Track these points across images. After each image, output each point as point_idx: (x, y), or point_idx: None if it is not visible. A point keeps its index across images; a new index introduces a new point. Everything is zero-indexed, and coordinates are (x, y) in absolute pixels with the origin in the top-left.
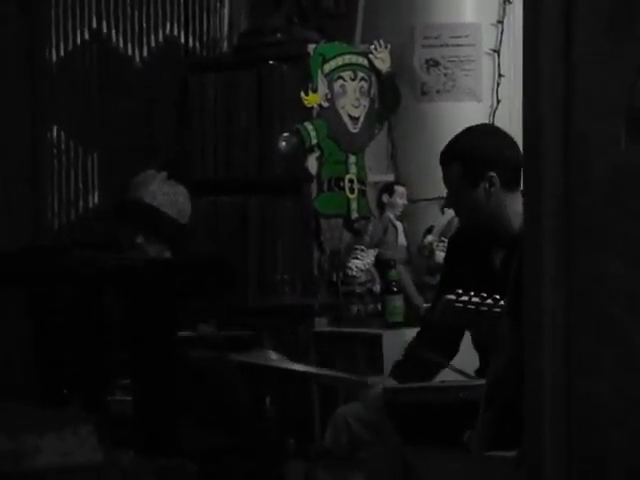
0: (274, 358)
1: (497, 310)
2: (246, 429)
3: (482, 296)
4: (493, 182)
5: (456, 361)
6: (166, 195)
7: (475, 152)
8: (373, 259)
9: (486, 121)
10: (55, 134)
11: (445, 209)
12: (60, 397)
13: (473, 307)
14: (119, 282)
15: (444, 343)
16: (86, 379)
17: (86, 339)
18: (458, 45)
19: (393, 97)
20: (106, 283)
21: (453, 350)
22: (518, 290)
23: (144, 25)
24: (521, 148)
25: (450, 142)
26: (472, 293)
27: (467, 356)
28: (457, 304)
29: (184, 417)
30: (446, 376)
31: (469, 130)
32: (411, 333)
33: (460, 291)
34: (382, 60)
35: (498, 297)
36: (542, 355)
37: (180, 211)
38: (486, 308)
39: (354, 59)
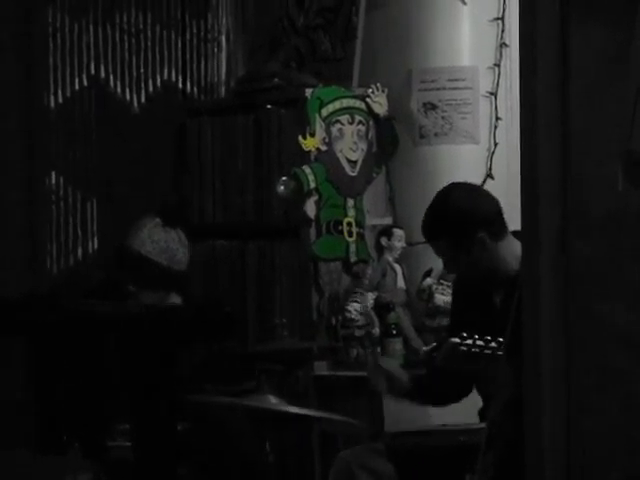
0: (274, 403)
1: (500, 353)
2: (246, 475)
3: (486, 339)
4: (484, 240)
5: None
6: (156, 243)
7: (458, 222)
8: (372, 302)
9: (483, 164)
10: (53, 180)
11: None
12: (59, 443)
13: (477, 350)
14: (118, 329)
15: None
16: (86, 425)
17: (85, 384)
18: (455, 88)
19: (391, 140)
20: (105, 330)
21: (464, 392)
22: (516, 335)
23: (142, 70)
24: (519, 191)
25: (429, 217)
26: (476, 336)
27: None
28: (461, 347)
29: (184, 463)
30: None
31: (443, 199)
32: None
33: (465, 334)
34: (380, 104)
35: (501, 340)
36: (541, 399)
37: (172, 258)
38: (490, 351)
39: (352, 103)
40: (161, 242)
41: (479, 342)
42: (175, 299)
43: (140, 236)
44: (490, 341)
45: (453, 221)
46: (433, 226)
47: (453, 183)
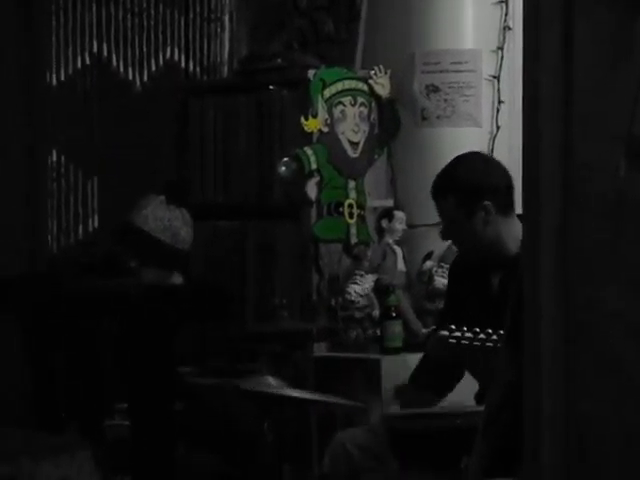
0: (273, 384)
1: (490, 345)
2: (244, 455)
3: (475, 331)
4: (489, 210)
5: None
6: (159, 220)
7: (468, 183)
8: (372, 284)
9: (485, 147)
10: (55, 158)
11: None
12: (57, 421)
13: (466, 342)
14: (117, 308)
15: (441, 378)
16: (84, 403)
17: (84, 363)
18: (458, 71)
19: (393, 123)
20: (104, 309)
21: (448, 386)
22: (516, 319)
23: (144, 49)
24: (520, 175)
25: (440, 175)
26: (465, 328)
27: (465, 381)
28: (450, 340)
29: (182, 443)
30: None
31: (458, 161)
32: (410, 358)
33: (453, 326)
34: (382, 85)
35: (490, 331)
36: (541, 383)
37: (175, 236)
38: (479, 343)
39: (354, 84)
40: (165, 220)
41: (467, 334)
42: (177, 279)
43: (144, 213)
44: (479, 333)
45: (461, 181)
46: (441, 183)
47: (472, 151)
